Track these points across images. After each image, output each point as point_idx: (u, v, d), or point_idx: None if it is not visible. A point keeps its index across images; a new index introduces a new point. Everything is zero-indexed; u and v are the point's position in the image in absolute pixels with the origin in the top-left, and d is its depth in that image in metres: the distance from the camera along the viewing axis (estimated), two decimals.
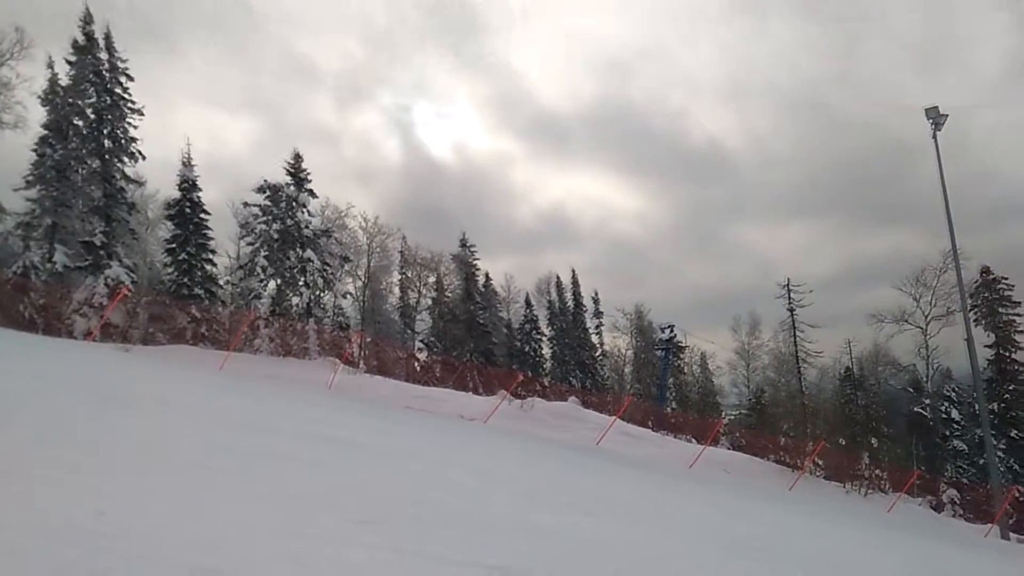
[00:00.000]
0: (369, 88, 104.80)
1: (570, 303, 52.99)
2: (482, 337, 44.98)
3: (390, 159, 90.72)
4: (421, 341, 46.16)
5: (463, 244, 47.22)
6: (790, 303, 44.27)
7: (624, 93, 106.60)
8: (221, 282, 32.84)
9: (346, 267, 37.86)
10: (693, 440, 27.79)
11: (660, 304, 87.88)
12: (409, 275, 48.55)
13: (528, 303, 51.09)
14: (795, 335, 44.18)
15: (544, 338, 51.21)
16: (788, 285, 44.38)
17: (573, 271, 54.55)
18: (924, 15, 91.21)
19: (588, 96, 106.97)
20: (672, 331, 43.42)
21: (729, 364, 51.66)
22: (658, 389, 43.96)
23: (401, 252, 47.82)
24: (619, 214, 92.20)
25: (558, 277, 53.59)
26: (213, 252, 31.47)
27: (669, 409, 40.25)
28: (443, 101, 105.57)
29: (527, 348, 49.45)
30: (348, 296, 37.37)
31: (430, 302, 47.91)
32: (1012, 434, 35.82)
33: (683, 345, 50.36)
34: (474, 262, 47.38)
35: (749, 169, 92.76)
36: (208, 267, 30.53)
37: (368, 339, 34.10)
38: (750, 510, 13.52)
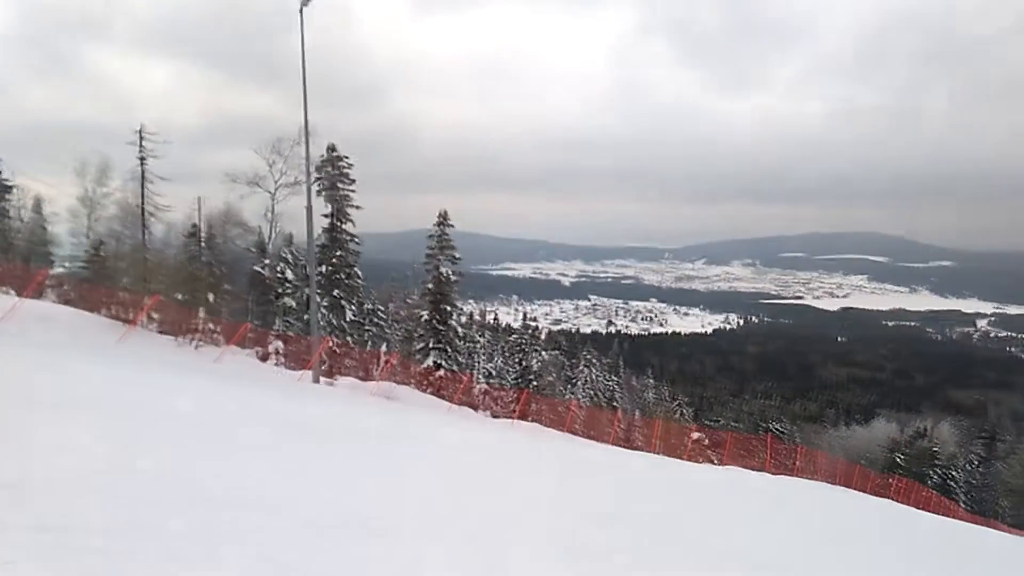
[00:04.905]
0: None
1: None
2: None
3: None
4: None
5: None
6: (142, 151, 41.65)
7: None
8: None
9: None
10: (12, 293, 24.31)
11: None
12: None
13: None
14: (144, 187, 42.04)
15: None
16: (142, 132, 41.51)
17: None
18: None
19: None
20: None
21: (70, 211, 45.87)
22: None
23: None
24: None
25: None
26: None
27: None
28: None
29: None
30: None
31: None
32: (335, 293, 41.65)
33: (10, 184, 42.87)
34: None
35: None
36: None
37: None
38: (71, 366, 12.64)
